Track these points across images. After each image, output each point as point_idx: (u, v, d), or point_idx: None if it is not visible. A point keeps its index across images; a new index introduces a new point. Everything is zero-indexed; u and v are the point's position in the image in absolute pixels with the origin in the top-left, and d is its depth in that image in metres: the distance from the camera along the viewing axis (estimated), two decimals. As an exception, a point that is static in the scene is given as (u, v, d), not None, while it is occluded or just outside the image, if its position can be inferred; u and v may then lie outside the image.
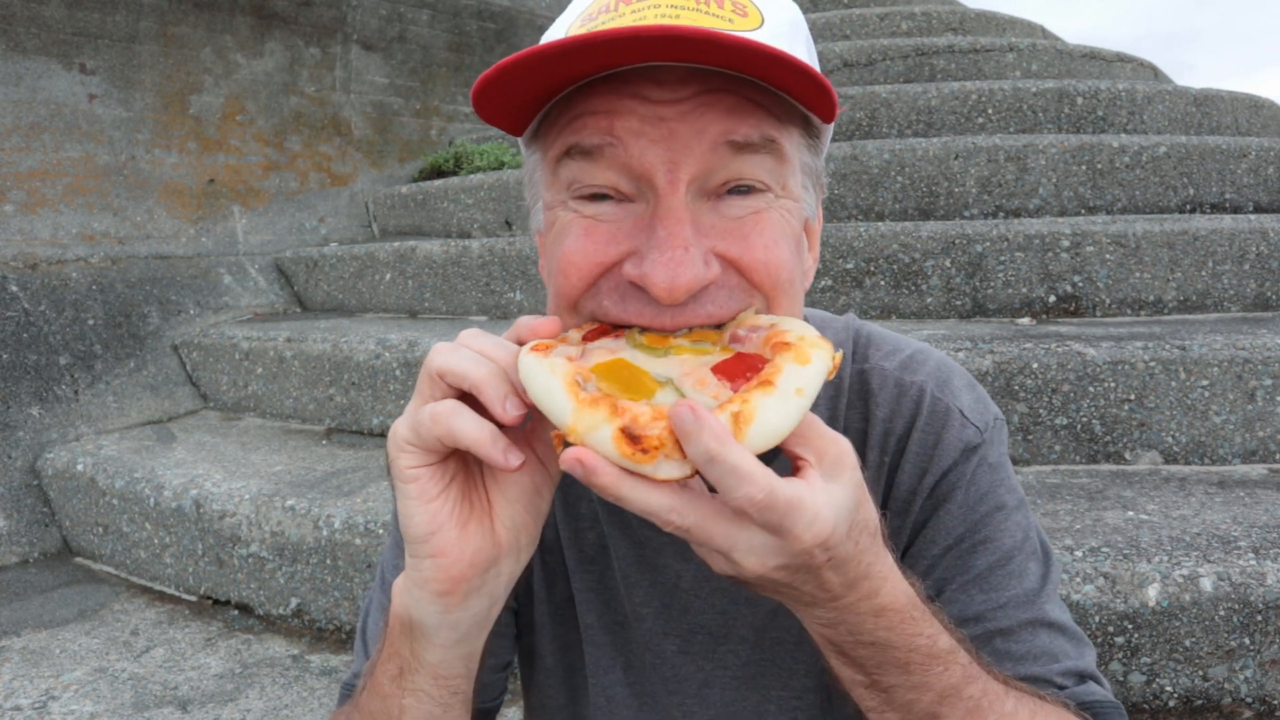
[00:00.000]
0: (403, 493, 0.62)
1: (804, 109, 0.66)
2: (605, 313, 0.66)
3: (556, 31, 0.69)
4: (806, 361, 0.57)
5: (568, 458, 0.53)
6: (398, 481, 0.62)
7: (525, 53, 0.59)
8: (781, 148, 0.65)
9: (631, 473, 0.53)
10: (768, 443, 0.54)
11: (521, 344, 0.62)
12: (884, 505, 0.82)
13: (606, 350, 0.63)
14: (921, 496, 0.81)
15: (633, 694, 0.89)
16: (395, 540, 0.91)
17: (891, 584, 0.63)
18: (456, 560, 0.62)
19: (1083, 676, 0.80)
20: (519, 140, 0.74)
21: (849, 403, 0.85)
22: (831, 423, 0.84)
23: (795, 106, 0.66)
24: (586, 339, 0.66)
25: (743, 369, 0.59)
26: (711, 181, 0.64)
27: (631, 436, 0.53)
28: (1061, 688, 0.78)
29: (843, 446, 0.59)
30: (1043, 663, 0.78)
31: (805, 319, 0.87)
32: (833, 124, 0.69)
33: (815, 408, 0.83)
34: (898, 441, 0.82)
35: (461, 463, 0.64)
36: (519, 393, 0.59)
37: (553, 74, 0.62)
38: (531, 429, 0.65)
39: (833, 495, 0.57)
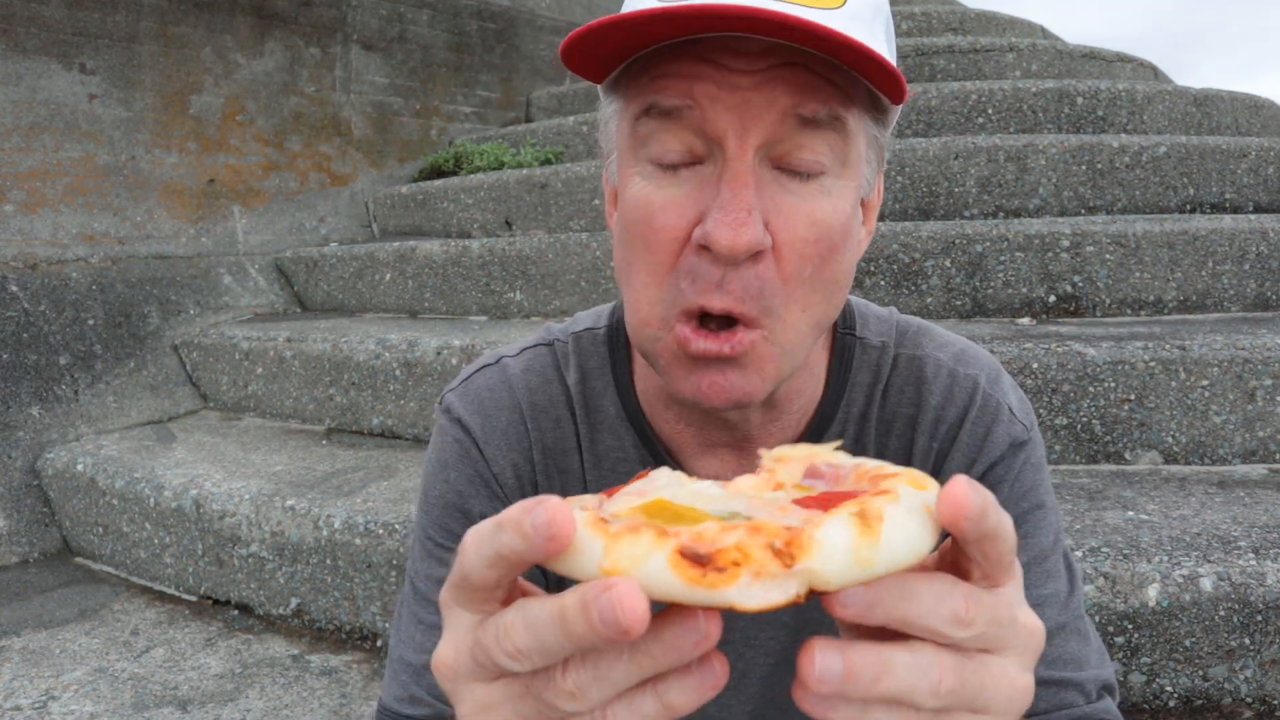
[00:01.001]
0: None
1: (873, 88, 0.69)
2: (685, 299, 0.68)
3: None
4: (924, 487, 0.43)
5: (815, 674, 0.38)
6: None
7: (613, 19, 0.62)
8: (846, 124, 0.67)
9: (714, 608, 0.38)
10: (907, 554, 0.39)
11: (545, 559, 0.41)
12: None
13: (635, 494, 0.47)
14: None
15: None
16: (426, 550, 0.89)
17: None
18: None
19: (1104, 688, 0.81)
20: (598, 88, 0.76)
21: (898, 388, 0.86)
22: (867, 407, 0.85)
23: (864, 83, 0.68)
24: (607, 494, 0.50)
25: (840, 498, 0.43)
26: (777, 149, 0.67)
27: (695, 556, 0.37)
28: (1088, 696, 0.80)
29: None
30: (1072, 668, 0.79)
31: (849, 304, 0.88)
32: (904, 101, 0.71)
33: (851, 393, 0.84)
34: (949, 429, 0.83)
35: None
36: (538, 535, 0.40)
37: (638, 37, 0.65)
38: None
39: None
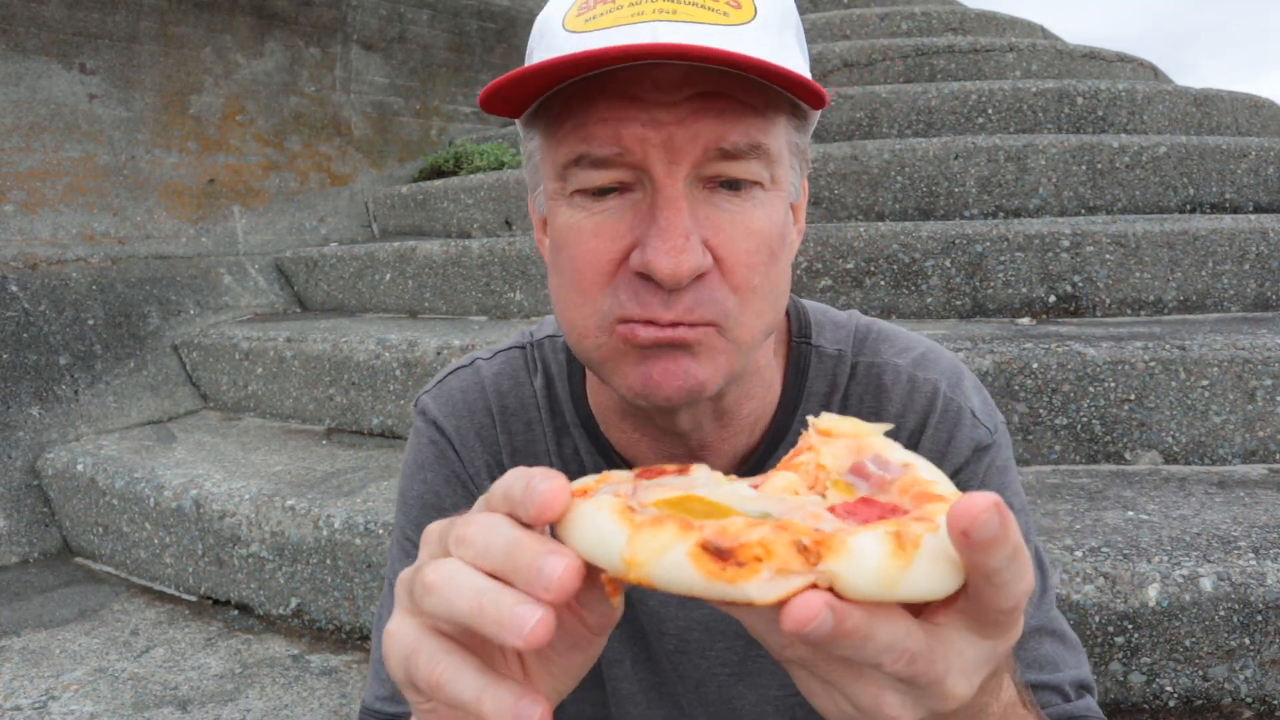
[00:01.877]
0: (420, 716, 0.51)
1: (794, 98, 0.69)
2: (624, 309, 0.67)
3: (552, 17, 0.71)
4: None
5: (801, 614, 0.37)
6: (412, 708, 0.52)
7: (533, 69, 0.62)
8: (768, 150, 0.68)
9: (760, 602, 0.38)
10: (928, 589, 0.39)
11: (531, 524, 0.45)
12: None
13: (670, 487, 0.47)
14: None
15: (642, 688, 0.90)
16: (404, 550, 0.90)
17: (1007, 678, 0.58)
18: None
19: (1082, 687, 0.81)
20: (516, 122, 0.76)
21: (858, 397, 0.85)
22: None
23: (785, 95, 0.68)
24: (640, 476, 0.51)
25: (879, 513, 0.43)
26: (705, 172, 0.67)
27: (718, 551, 0.37)
28: (1066, 697, 0.80)
29: None
30: (1048, 670, 0.80)
31: (805, 311, 0.88)
32: (824, 107, 0.71)
33: (807, 402, 0.84)
34: (909, 437, 0.83)
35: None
36: (535, 586, 0.43)
37: (556, 80, 0.65)
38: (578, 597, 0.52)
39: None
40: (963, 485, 0.81)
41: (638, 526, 0.39)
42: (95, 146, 3.45)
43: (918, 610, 0.43)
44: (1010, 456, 0.86)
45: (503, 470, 0.88)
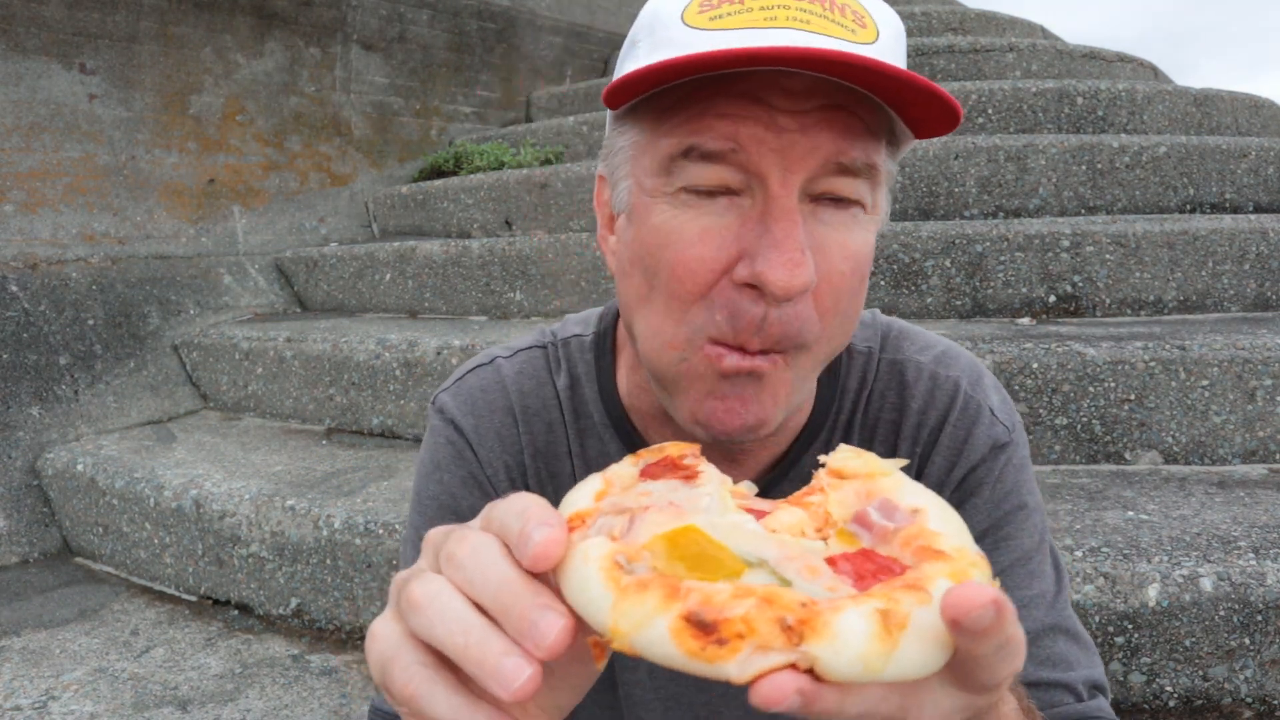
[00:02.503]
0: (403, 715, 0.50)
1: (905, 123, 0.67)
2: (718, 329, 0.65)
3: (667, 10, 0.67)
4: (966, 577, 0.40)
5: (769, 695, 0.36)
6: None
7: (668, 65, 0.60)
8: (879, 171, 0.66)
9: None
10: (914, 670, 0.38)
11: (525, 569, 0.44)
12: None
13: (671, 509, 0.45)
14: (949, 489, 0.82)
15: (658, 697, 0.89)
16: (418, 552, 0.89)
17: (1008, 707, 0.57)
18: None
19: (1095, 688, 0.81)
20: (609, 111, 0.72)
21: (880, 393, 0.85)
22: (853, 413, 0.85)
23: (889, 119, 0.66)
24: (645, 474, 0.49)
25: (875, 571, 0.42)
26: (816, 187, 0.65)
27: (701, 624, 0.37)
28: (1079, 697, 0.80)
29: None
30: (1061, 669, 0.80)
31: None
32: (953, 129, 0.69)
33: (841, 400, 0.84)
34: (930, 433, 0.83)
35: None
36: (528, 639, 0.41)
37: (694, 73, 0.62)
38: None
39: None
40: (979, 482, 0.81)
41: (623, 591, 0.39)
42: (95, 146, 3.45)
43: None
44: (1027, 455, 0.86)
45: (522, 472, 0.87)
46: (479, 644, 0.42)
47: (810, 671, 0.37)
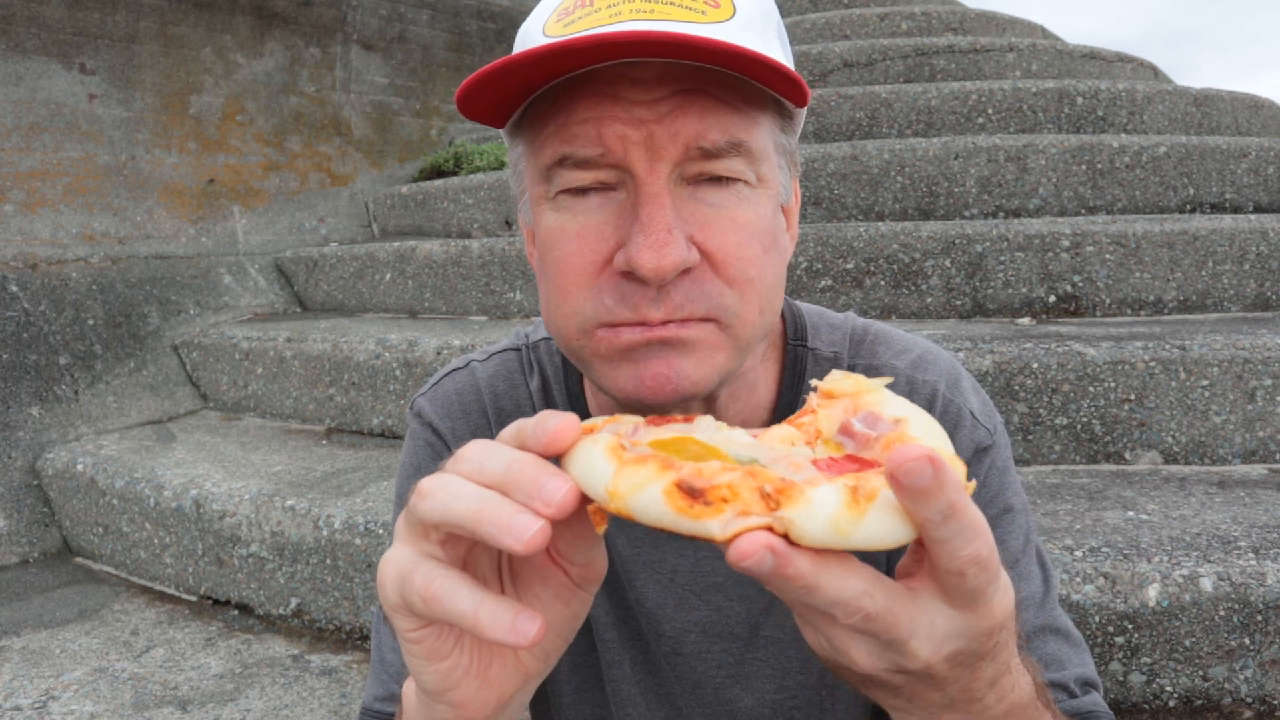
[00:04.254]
0: (408, 651, 0.53)
1: (777, 95, 0.69)
2: (610, 312, 0.67)
3: (532, 27, 0.71)
4: None
5: (744, 549, 0.40)
6: (400, 640, 0.53)
7: (504, 61, 0.62)
8: (750, 148, 0.67)
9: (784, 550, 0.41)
10: (880, 539, 0.42)
11: (541, 453, 0.49)
12: None
13: (672, 431, 0.51)
14: None
15: (641, 690, 0.89)
16: None
17: (1023, 680, 0.59)
18: (480, 708, 0.55)
19: (1087, 684, 0.81)
20: (502, 131, 0.76)
21: None
22: None
23: (768, 94, 0.68)
24: (650, 422, 0.55)
25: (855, 469, 0.45)
26: (689, 170, 0.66)
27: (690, 490, 0.41)
28: (1072, 694, 0.80)
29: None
30: (1054, 669, 0.80)
31: (800, 314, 0.87)
32: (806, 104, 0.71)
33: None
34: None
35: None
36: (535, 501, 0.46)
37: (533, 77, 0.65)
38: (561, 537, 0.54)
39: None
40: None
41: (624, 463, 0.43)
42: (95, 146, 3.45)
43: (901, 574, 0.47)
44: (1009, 456, 0.86)
45: None
46: (492, 508, 0.46)
47: (787, 538, 0.41)
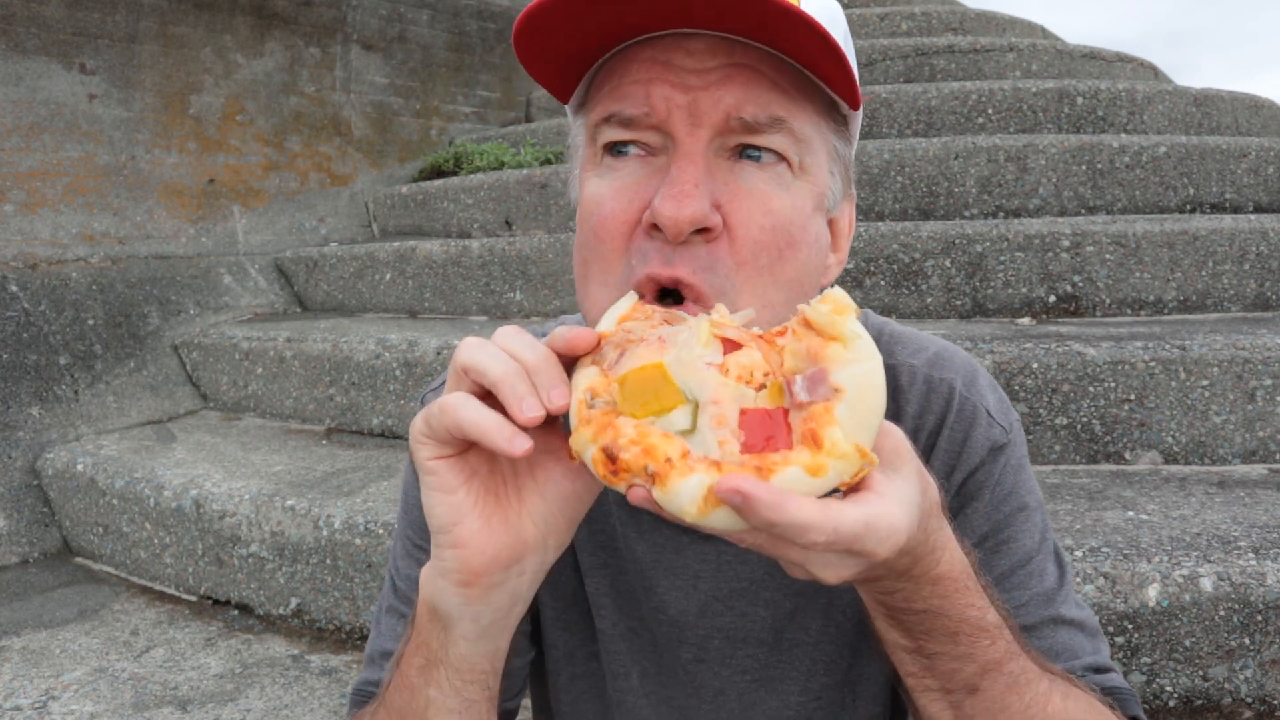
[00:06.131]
0: (425, 483, 0.61)
1: (828, 90, 0.69)
2: (634, 275, 0.69)
3: None
4: (820, 473, 0.52)
5: (724, 489, 0.50)
6: (420, 472, 0.62)
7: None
8: (792, 128, 0.68)
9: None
10: (721, 527, 0.52)
11: (557, 352, 0.60)
12: None
13: (656, 344, 0.58)
14: (950, 493, 0.82)
15: (650, 702, 0.89)
16: (406, 549, 0.90)
17: (950, 553, 0.64)
18: (479, 553, 0.61)
19: (1100, 670, 0.81)
20: (567, 108, 0.78)
21: None
22: None
23: (818, 88, 0.69)
24: (668, 318, 0.63)
25: (764, 441, 0.54)
26: (730, 142, 0.68)
27: (610, 456, 0.53)
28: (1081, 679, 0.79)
29: (896, 436, 0.59)
30: (1063, 659, 0.79)
31: None
32: (860, 115, 0.72)
33: None
34: (928, 438, 0.83)
35: (488, 456, 0.63)
36: (542, 393, 0.58)
37: (589, 23, 0.65)
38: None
39: (901, 495, 0.55)
40: (979, 486, 0.81)
41: (580, 420, 0.56)
42: (95, 146, 3.45)
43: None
44: (1025, 454, 0.86)
45: None
46: (513, 380, 0.58)
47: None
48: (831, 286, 0.59)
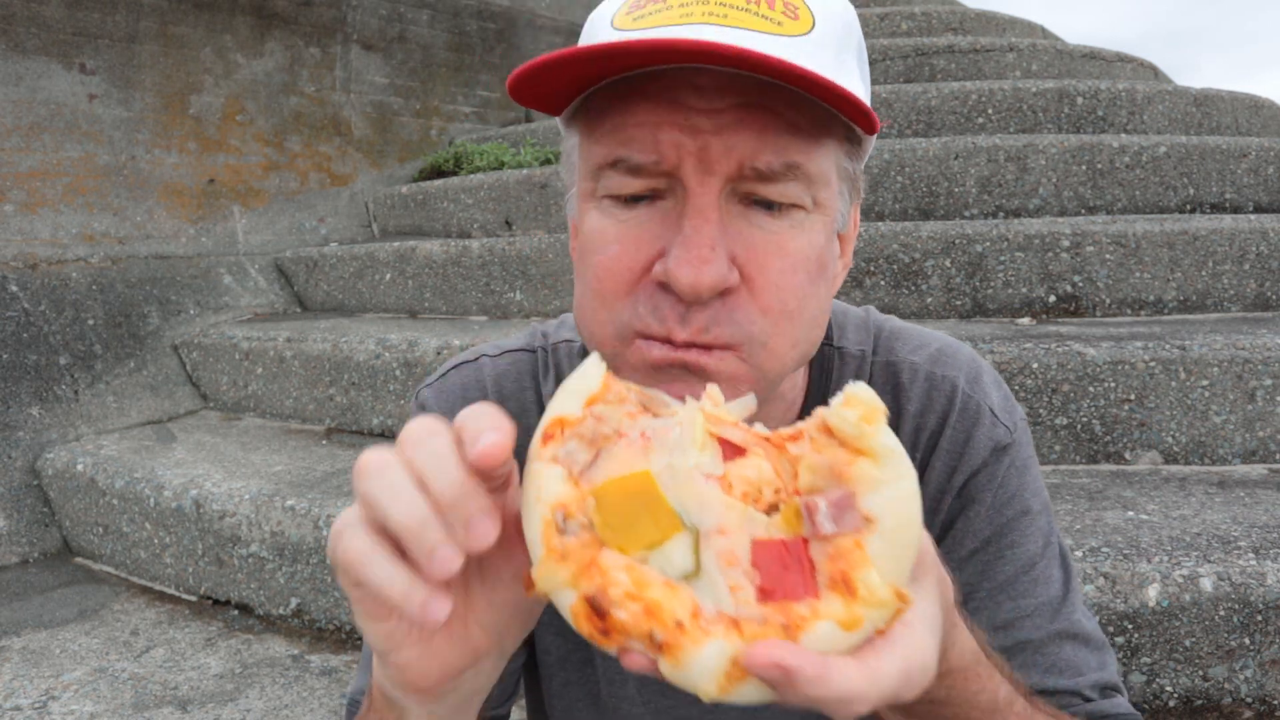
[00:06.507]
0: (352, 606, 0.52)
1: (846, 120, 0.66)
2: (642, 321, 0.65)
3: (602, 17, 0.68)
4: (855, 626, 0.43)
5: (760, 663, 0.41)
6: (344, 589, 0.52)
7: (564, 54, 0.59)
8: (807, 171, 0.65)
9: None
10: (747, 700, 0.43)
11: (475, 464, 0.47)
12: None
13: (640, 443, 0.47)
14: (951, 495, 0.80)
15: (649, 711, 0.88)
16: None
17: (960, 644, 0.60)
18: (423, 675, 0.53)
19: (1106, 689, 0.79)
20: (559, 120, 0.74)
21: None
22: None
23: (837, 116, 0.65)
24: (645, 410, 0.51)
25: (782, 588, 0.44)
26: (742, 189, 0.64)
27: (597, 609, 0.42)
28: (1088, 700, 0.78)
29: (924, 542, 0.51)
30: (1068, 675, 0.78)
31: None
32: (876, 132, 0.68)
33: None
34: (929, 438, 0.81)
35: None
36: (458, 532, 0.46)
37: (592, 72, 0.63)
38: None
39: (928, 618, 0.49)
40: (980, 488, 0.79)
41: (550, 551, 0.44)
42: (95, 146, 3.45)
43: None
44: (1031, 454, 0.83)
45: None
46: (419, 528, 0.46)
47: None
48: (855, 383, 0.49)
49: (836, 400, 0.48)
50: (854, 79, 0.68)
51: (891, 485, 0.45)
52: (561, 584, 0.44)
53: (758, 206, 0.65)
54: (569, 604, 0.43)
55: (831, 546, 0.44)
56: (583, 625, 0.43)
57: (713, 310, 0.63)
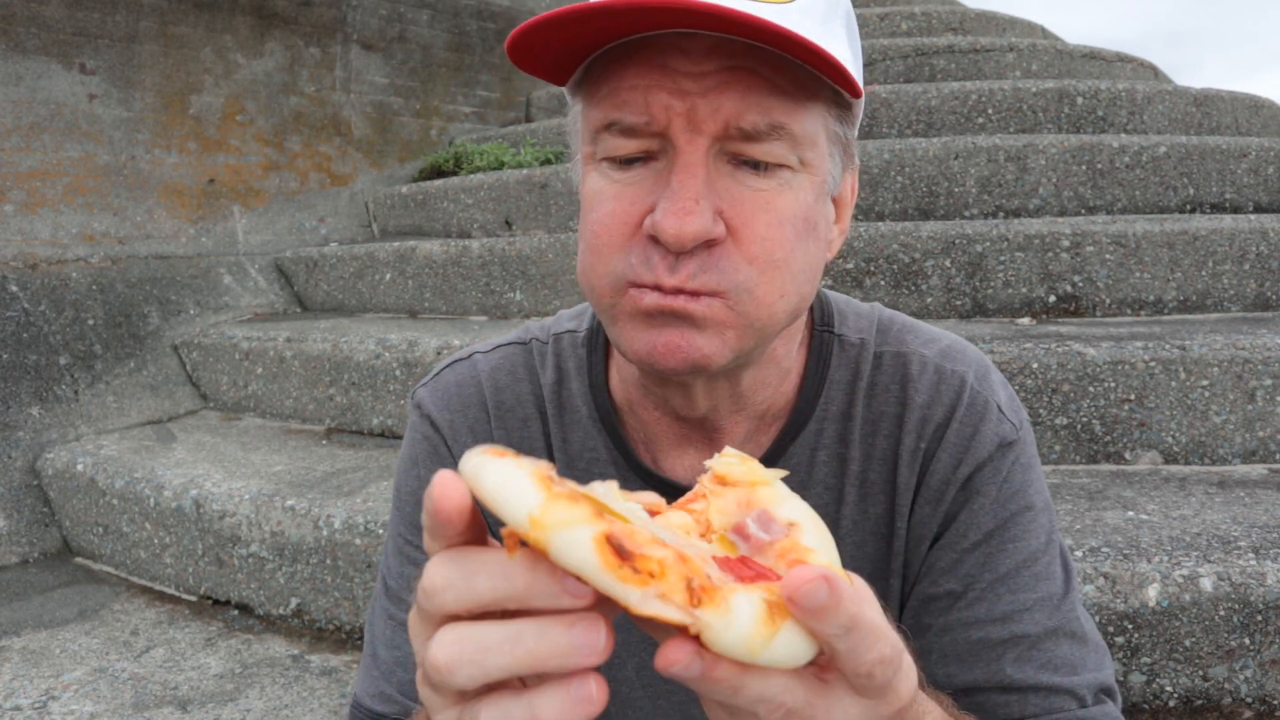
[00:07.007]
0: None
1: (830, 82, 0.69)
2: (634, 270, 0.69)
3: None
4: None
5: (671, 656, 0.39)
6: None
7: (555, 13, 0.62)
8: (793, 132, 0.68)
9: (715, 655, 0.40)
10: (786, 659, 0.41)
11: (433, 517, 0.43)
12: (916, 493, 0.83)
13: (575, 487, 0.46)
14: (955, 487, 0.81)
15: (648, 694, 0.88)
16: (398, 546, 0.90)
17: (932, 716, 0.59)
18: None
19: (1101, 691, 0.80)
20: (565, 90, 0.77)
21: (884, 385, 0.84)
22: (849, 406, 0.84)
23: (821, 81, 0.68)
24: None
25: (753, 576, 0.44)
26: (730, 148, 0.67)
27: (620, 550, 0.38)
28: (1082, 700, 0.78)
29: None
30: (1064, 673, 0.78)
31: (828, 301, 0.87)
32: (862, 97, 0.71)
33: (829, 391, 0.84)
34: (936, 429, 0.82)
35: None
36: (566, 600, 0.41)
37: (581, 33, 0.65)
38: None
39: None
40: (985, 481, 0.80)
41: (555, 495, 0.39)
42: (95, 146, 3.45)
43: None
44: (1034, 454, 0.85)
45: None
46: (537, 638, 0.41)
47: (698, 640, 0.40)
48: (725, 448, 0.53)
49: (713, 460, 0.52)
50: (841, 45, 0.71)
51: (792, 498, 0.49)
52: (579, 519, 0.38)
53: (746, 166, 0.68)
54: (589, 536, 0.38)
55: (775, 549, 0.46)
56: (607, 558, 0.38)
57: (699, 259, 0.67)
